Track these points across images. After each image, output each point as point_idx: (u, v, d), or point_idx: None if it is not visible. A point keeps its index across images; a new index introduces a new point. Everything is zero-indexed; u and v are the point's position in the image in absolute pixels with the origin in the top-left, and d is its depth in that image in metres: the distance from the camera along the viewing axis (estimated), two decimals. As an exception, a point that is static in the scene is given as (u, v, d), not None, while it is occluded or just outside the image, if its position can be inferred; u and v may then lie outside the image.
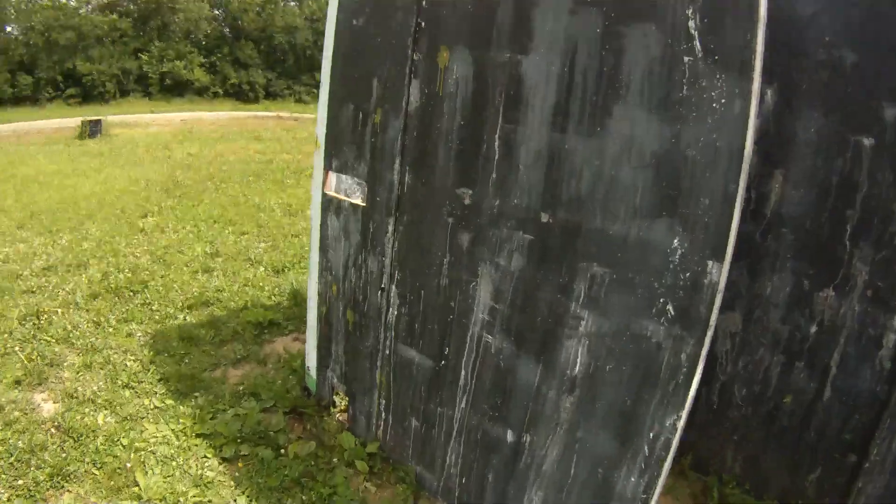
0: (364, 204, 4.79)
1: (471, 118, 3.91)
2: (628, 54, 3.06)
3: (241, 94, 56.06)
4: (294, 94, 59.93)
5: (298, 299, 8.44)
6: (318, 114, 5.16)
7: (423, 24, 4.18)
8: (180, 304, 8.31)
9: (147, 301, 8.37)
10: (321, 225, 5.30)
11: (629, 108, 3.07)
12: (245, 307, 8.24)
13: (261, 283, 9.11)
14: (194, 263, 9.84)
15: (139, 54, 51.73)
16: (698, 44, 2.79)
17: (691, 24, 2.81)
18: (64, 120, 30.90)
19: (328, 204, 5.16)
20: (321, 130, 5.13)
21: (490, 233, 3.87)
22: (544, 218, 3.54)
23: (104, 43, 49.86)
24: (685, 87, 2.85)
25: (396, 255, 4.58)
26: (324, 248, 5.30)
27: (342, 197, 4.98)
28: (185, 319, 7.89)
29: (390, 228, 4.57)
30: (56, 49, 46.91)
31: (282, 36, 59.28)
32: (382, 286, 4.76)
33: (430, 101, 4.17)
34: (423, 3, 4.15)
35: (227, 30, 59.67)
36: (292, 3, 61.63)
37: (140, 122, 33.44)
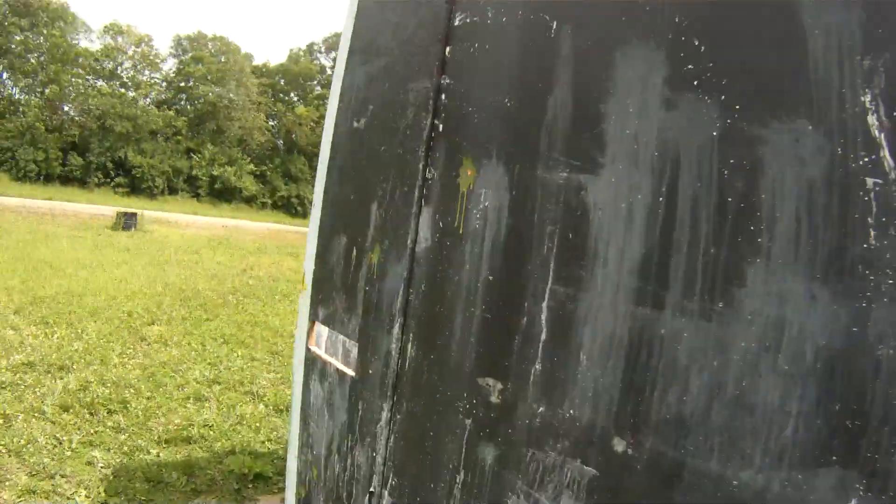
0: (353, 374, 3.42)
1: (504, 271, 2.49)
2: (769, 175, 1.71)
3: (290, 208, 56.43)
4: None
5: None
6: (307, 245, 3.90)
7: (440, 126, 2.87)
8: (157, 435, 7.18)
9: (120, 426, 7.28)
10: (303, 387, 4.00)
11: (773, 270, 1.70)
12: (231, 451, 7.08)
13: (257, 423, 7.94)
14: (188, 388, 8.71)
15: (191, 154, 52.43)
16: (888, 155, 1.48)
17: (872, 119, 1.51)
18: (102, 207, 30.60)
19: (312, 363, 3.86)
20: (308, 267, 3.87)
21: (527, 453, 2.37)
22: (619, 445, 2.06)
23: (157, 139, 50.64)
24: (872, 235, 1.51)
25: (392, 453, 3.15)
26: (305, 418, 4.01)
27: (328, 358, 3.67)
28: (157, 456, 6.75)
29: (384, 415, 3.16)
30: (110, 136, 47.71)
31: (335, 153, 59.83)
32: (372, 489, 3.30)
33: (445, 239, 2.78)
34: (442, 96, 2.87)
35: (280, 142, 60.37)
36: (346, 122, 62.66)
37: (180, 221, 33.17)
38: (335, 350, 3.61)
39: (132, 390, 8.30)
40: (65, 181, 44.67)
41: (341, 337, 3.56)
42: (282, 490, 6.21)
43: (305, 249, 3.86)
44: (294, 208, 57.84)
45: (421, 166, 2.94)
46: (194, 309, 13.32)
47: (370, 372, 3.29)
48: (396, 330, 3.08)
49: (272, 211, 55.59)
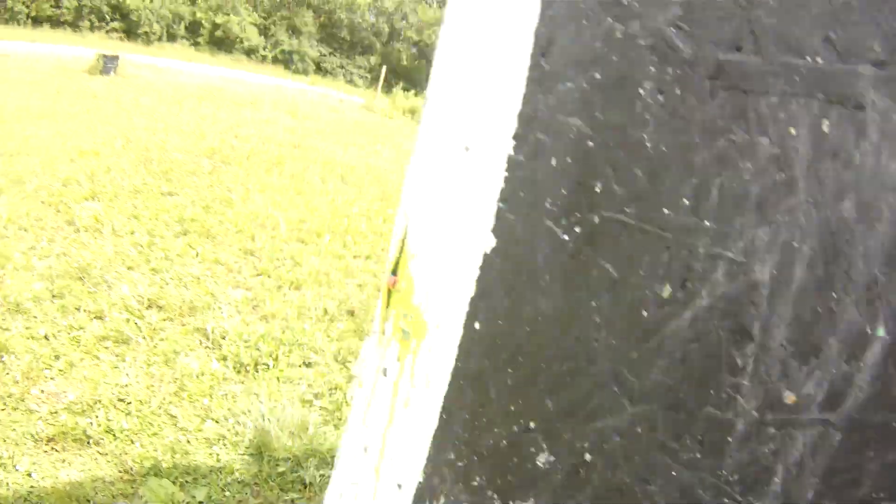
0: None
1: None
2: None
3: (291, 63, 52.89)
4: (346, 74, 56.96)
5: (270, 455, 4.21)
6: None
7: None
8: (32, 429, 3.86)
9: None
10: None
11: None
12: (155, 467, 3.78)
13: (207, 395, 4.60)
14: (108, 317, 5.26)
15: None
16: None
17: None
18: (88, 50, 26.22)
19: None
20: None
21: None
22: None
23: (158, -20, 46.45)
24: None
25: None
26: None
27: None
28: (28, 475, 3.55)
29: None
30: (105, -24, 43.44)
31: (343, 12, 56.08)
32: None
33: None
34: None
35: (290, -8, 56.11)
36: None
37: (171, 69, 29.21)
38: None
39: (20, 320, 4.95)
40: (55, 25, 40.22)
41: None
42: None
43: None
44: (295, 64, 53.49)
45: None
46: (154, 176, 9.60)
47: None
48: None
49: (272, 65, 51.03)
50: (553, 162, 1.08)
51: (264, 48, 52.52)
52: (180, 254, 6.89)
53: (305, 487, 4.05)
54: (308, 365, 5.41)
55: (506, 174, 1.13)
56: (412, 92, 39.82)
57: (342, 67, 57.52)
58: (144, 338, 5.06)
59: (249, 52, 51.26)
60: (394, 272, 1.22)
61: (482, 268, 1.15)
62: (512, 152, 1.12)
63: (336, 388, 5.19)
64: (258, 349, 5.32)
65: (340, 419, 4.85)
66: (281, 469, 4.10)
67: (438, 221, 1.20)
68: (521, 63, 1.13)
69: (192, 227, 7.75)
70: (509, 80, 1.14)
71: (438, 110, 1.21)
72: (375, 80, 50.36)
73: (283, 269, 7.23)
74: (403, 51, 61.80)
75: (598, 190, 1.03)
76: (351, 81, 55.75)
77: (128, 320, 5.25)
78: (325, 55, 56.38)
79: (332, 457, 4.40)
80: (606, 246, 1.02)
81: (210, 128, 14.76)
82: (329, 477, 4.11)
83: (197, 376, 4.75)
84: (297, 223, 9.04)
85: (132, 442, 3.94)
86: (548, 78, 1.09)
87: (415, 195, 1.25)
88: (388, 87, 40.27)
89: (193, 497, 3.63)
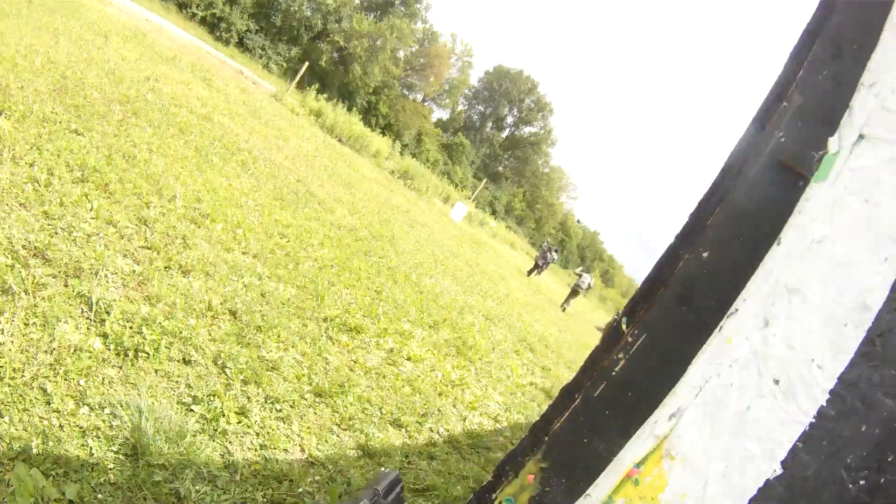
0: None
1: None
2: None
3: (214, 29, 51.82)
4: (265, 57, 56.17)
5: (146, 460, 3.88)
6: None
7: None
8: None
9: None
10: None
11: None
12: (23, 447, 3.39)
13: (84, 375, 4.18)
14: None
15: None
16: None
17: None
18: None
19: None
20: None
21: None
22: None
23: None
24: None
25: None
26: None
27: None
28: None
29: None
30: None
31: (283, -3, 55.53)
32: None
33: None
34: None
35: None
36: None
37: (102, -3, 27.91)
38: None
39: None
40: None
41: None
42: None
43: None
44: (219, 32, 52.76)
45: None
46: (66, 109, 8.93)
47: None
48: None
49: (197, 26, 49.91)
50: (863, 428, 1.22)
51: (197, 6, 51.28)
52: (76, 202, 6.34)
53: (180, 501, 3.73)
54: (187, 363, 5.04)
55: (813, 420, 1.25)
56: (324, 96, 39.37)
57: (263, 49, 56.68)
58: (27, 291, 4.58)
59: (182, 6, 50.09)
60: (638, 465, 1.31)
61: (761, 490, 1.26)
62: (824, 404, 1.23)
63: (214, 396, 4.84)
64: (141, 334, 4.93)
65: (216, 430, 4.53)
66: (157, 477, 3.76)
67: (719, 435, 1.30)
68: (853, 334, 1.20)
69: (92, 176, 7.17)
70: (836, 342, 1.21)
71: (748, 329, 1.34)
72: (291, 70, 49.73)
73: (173, 249, 6.79)
74: (326, 52, 61.46)
75: (889, 460, 1.20)
76: (267, 66, 55.02)
77: (12, 267, 4.76)
78: (251, 31, 55.50)
79: (209, 471, 4.10)
80: (883, 501, 1.21)
81: (129, 73, 13.99)
82: (204, 493, 3.76)
83: (76, 350, 4.31)
84: (193, 201, 8.59)
85: (1, 415, 3.53)
86: (878, 358, 1.18)
87: (694, 401, 1.36)
88: (300, 84, 39.76)
89: (63, 494, 3.26)
